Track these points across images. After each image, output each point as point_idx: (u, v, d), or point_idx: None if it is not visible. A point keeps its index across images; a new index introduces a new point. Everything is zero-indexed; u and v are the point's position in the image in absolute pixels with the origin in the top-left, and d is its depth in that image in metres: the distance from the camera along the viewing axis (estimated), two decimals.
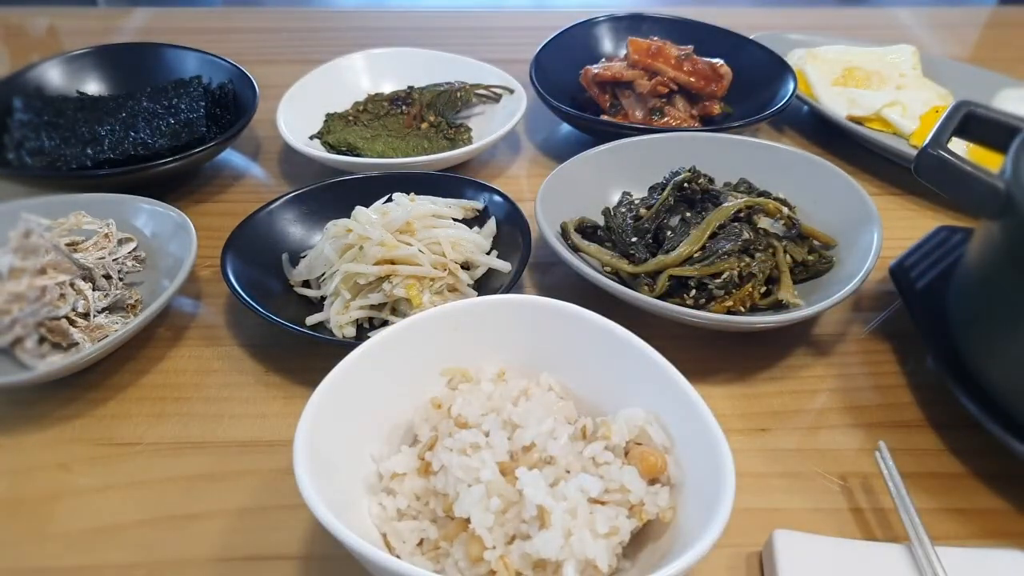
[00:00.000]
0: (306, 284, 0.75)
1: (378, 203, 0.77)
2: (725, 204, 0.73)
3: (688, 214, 0.75)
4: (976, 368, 0.61)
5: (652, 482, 0.50)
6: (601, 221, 0.79)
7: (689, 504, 0.48)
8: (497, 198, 0.80)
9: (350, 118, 1.01)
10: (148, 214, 0.78)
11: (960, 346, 0.64)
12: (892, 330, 0.75)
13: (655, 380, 0.53)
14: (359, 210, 0.74)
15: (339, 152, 0.95)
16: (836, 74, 1.10)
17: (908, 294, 0.71)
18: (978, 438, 0.62)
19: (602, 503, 0.48)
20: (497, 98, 1.04)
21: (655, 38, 1.03)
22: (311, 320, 0.71)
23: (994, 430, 0.57)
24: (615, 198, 0.83)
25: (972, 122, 0.68)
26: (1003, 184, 0.58)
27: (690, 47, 1.02)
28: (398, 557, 0.49)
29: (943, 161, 0.63)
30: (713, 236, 0.72)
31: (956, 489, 0.61)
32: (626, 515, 0.47)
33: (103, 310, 0.71)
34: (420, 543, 0.50)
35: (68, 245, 0.73)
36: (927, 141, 0.65)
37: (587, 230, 0.78)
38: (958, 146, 0.65)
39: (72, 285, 0.70)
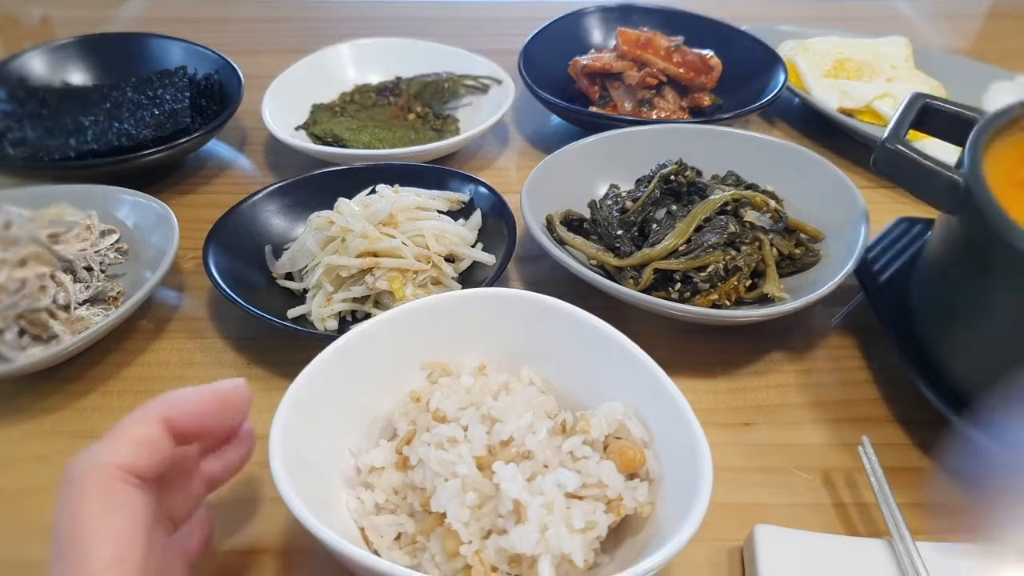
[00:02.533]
0: (289, 276, 0.75)
1: (361, 195, 0.76)
2: (711, 197, 0.73)
3: (674, 207, 0.74)
4: (939, 363, 0.61)
5: (631, 477, 0.50)
6: (588, 214, 0.79)
7: (668, 499, 0.48)
8: (483, 190, 0.79)
9: (337, 109, 1.00)
10: (130, 205, 0.77)
11: (923, 340, 0.64)
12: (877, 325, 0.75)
13: (635, 374, 0.52)
14: (342, 202, 0.73)
15: (325, 143, 0.94)
16: (827, 66, 1.10)
17: (870, 288, 0.70)
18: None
19: (579, 498, 0.48)
20: (485, 89, 1.04)
21: (645, 29, 1.03)
22: (293, 313, 0.70)
23: (956, 423, 0.57)
24: (603, 190, 0.82)
25: (928, 114, 0.68)
26: (961, 178, 0.57)
27: (680, 38, 1.01)
28: (376, 551, 0.49)
29: (901, 155, 0.62)
30: (699, 229, 0.71)
31: (937, 484, 0.60)
32: (603, 510, 0.47)
33: (84, 302, 0.70)
34: (398, 537, 0.50)
35: (49, 236, 0.72)
36: (885, 135, 0.65)
37: (573, 223, 0.78)
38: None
39: (53, 277, 0.69)
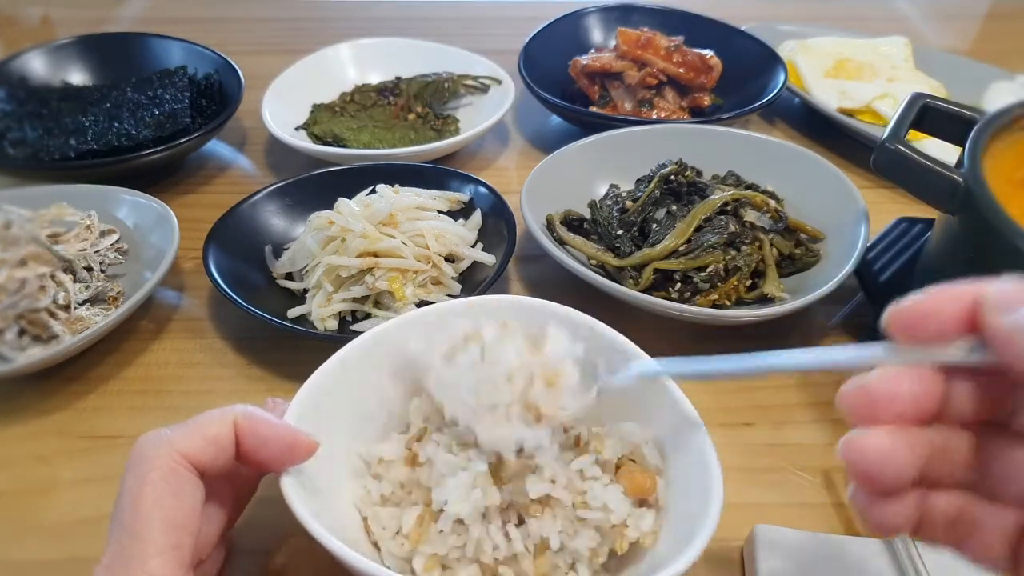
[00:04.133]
0: (289, 276, 0.75)
1: (361, 195, 0.76)
2: (711, 197, 0.73)
3: (674, 207, 0.74)
4: None
5: (641, 503, 0.49)
6: (588, 214, 0.79)
7: (672, 528, 0.48)
8: (483, 190, 0.79)
9: (337, 109, 1.00)
10: (130, 205, 0.78)
11: None
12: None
13: (653, 392, 0.52)
14: (342, 202, 0.73)
15: (325, 143, 0.95)
16: (828, 66, 1.09)
17: (870, 288, 0.70)
18: None
19: (582, 520, 0.48)
20: (485, 89, 1.04)
21: (645, 29, 1.03)
22: (293, 313, 0.70)
23: None
24: (603, 190, 0.82)
25: (928, 114, 0.68)
26: (961, 178, 0.57)
27: (680, 38, 1.01)
28: (376, 543, 0.49)
29: (901, 155, 0.63)
30: (699, 229, 0.71)
31: None
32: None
33: (84, 302, 0.70)
34: (398, 531, 0.50)
35: (49, 236, 0.72)
36: (885, 135, 0.64)
37: (573, 223, 0.78)
38: None
39: (53, 277, 0.69)
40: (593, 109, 1.00)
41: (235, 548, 0.54)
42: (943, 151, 0.70)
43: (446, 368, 0.49)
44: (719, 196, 0.72)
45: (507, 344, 0.49)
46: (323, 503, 0.47)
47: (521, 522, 0.47)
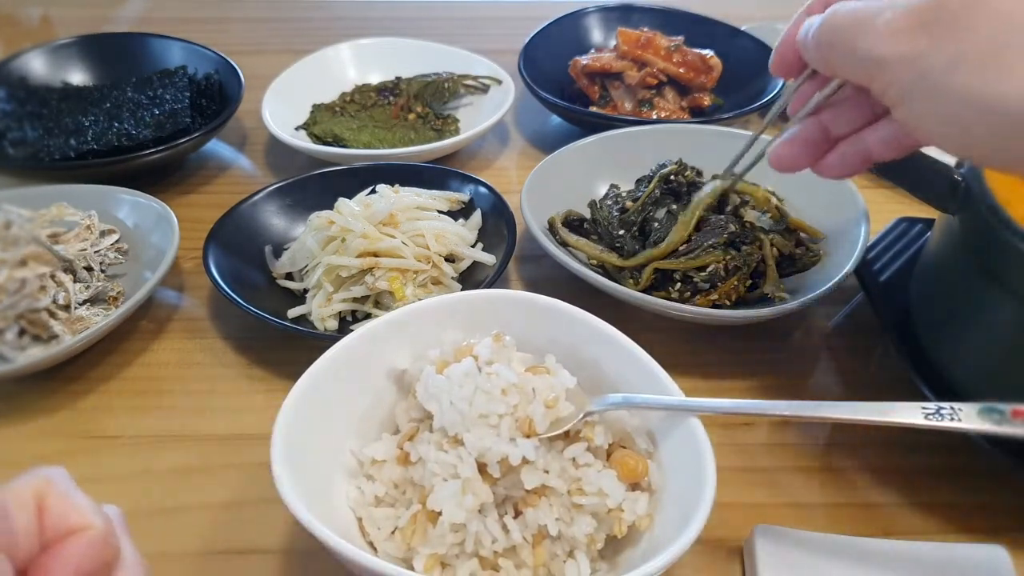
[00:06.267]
0: (289, 276, 0.75)
1: (361, 195, 0.76)
2: (708, 189, 0.72)
3: (674, 207, 0.74)
4: (940, 363, 0.61)
5: (633, 487, 0.50)
6: (588, 214, 0.79)
7: (668, 509, 0.48)
8: (483, 190, 0.79)
9: (337, 109, 1.00)
10: (130, 205, 0.78)
11: (923, 341, 0.63)
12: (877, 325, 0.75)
13: (643, 381, 0.52)
14: (342, 202, 0.73)
15: (325, 143, 0.95)
16: None
17: (870, 288, 0.70)
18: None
19: (578, 507, 0.48)
20: (485, 89, 1.04)
21: (645, 28, 1.03)
22: (293, 313, 0.70)
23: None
24: (603, 190, 0.82)
25: None
26: (961, 178, 0.57)
27: (680, 38, 1.01)
28: (371, 543, 0.49)
29: None
30: (699, 229, 0.71)
31: (937, 484, 0.61)
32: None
33: (84, 302, 0.70)
34: (394, 531, 0.50)
35: (49, 236, 0.72)
36: None
37: (573, 223, 0.78)
38: None
39: (53, 277, 0.69)
40: (593, 109, 1.00)
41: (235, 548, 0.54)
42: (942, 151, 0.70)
43: (436, 376, 0.50)
44: (719, 185, 0.72)
45: (504, 359, 0.51)
46: (319, 503, 0.47)
47: (518, 513, 0.48)
